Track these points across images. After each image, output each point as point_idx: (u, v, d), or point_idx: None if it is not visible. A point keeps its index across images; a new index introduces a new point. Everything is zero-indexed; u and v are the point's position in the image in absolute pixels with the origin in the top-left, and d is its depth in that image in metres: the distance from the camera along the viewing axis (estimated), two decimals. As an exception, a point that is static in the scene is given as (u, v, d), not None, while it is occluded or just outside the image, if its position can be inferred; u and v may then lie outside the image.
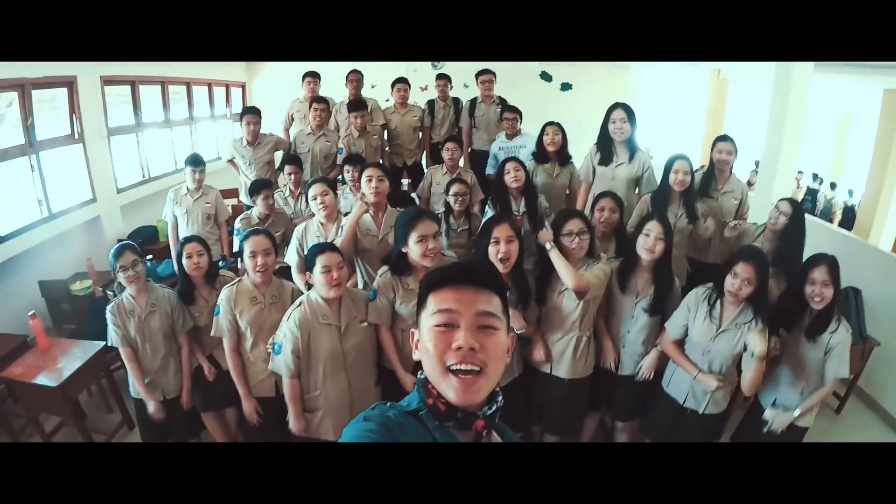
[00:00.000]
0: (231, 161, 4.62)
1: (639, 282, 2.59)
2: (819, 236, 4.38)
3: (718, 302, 2.41)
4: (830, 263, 2.33)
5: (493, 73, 4.86)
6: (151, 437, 2.84)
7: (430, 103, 5.15)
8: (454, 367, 0.85)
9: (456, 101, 5.14)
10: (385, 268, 2.47)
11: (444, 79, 5.10)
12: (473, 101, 4.97)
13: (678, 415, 2.57)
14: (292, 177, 3.99)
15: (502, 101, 4.83)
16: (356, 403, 2.39)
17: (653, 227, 2.48)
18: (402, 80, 4.97)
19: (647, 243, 2.47)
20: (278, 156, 4.62)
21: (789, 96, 4.51)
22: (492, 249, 2.30)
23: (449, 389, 0.86)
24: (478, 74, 4.88)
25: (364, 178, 2.82)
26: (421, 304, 0.94)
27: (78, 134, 4.80)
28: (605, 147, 3.45)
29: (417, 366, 0.93)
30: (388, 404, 0.92)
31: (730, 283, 2.30)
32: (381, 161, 4.54)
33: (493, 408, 0.90)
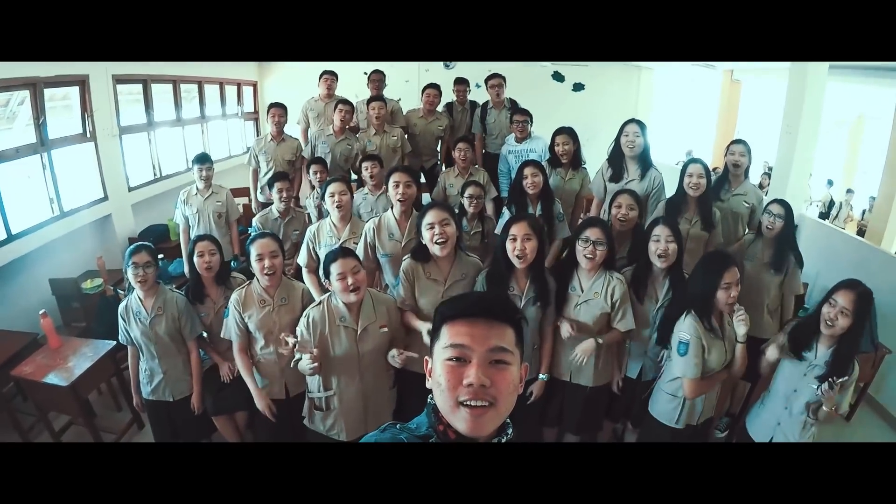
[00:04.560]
0: (255, 170, 4.65)
1: (656, 288, 2.56)
2: (831, 241, 4.35)
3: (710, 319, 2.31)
4: (860, 294, 2.10)
5: (503, 78, 4.76)
6: (163, 439, 2.86)
7: (449, 106, 5.13)
8: (465, 402, 0.85)
9: (473, 104, 5.11)
10: (408, 255, 2.54)
11: (462, 83, 5.09)
12: (484, 107, 4.90)
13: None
14: (318, 176, 3.94)
15: (513, 104, 4.76)
16: (370, 406, 2.41)
17: (661, 231, 2.46)
18: (432, 86, 4.87)
19: (659, 248, 2.44)
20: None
21: (804, 99, 4.47)
22: (509, 246, 2.35)
23: (459, 421, 0.86)
24: (487, 79, 4.79)
25: (391, 183, 2.82)
26: (434, 334, 0.95)
27: (90, 132, 4.82)
28: (616, 163, 3.43)
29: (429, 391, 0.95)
30: (399, 426, 0.93)
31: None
32: (404, 163, 4.50)
33: (504, 439, 0.91)
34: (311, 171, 4.01)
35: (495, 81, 4.72)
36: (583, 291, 2.49)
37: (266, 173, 4.52)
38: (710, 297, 2.26)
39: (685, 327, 2.31)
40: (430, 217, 2.37)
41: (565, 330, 2.44)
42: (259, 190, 4.69)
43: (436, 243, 2.36)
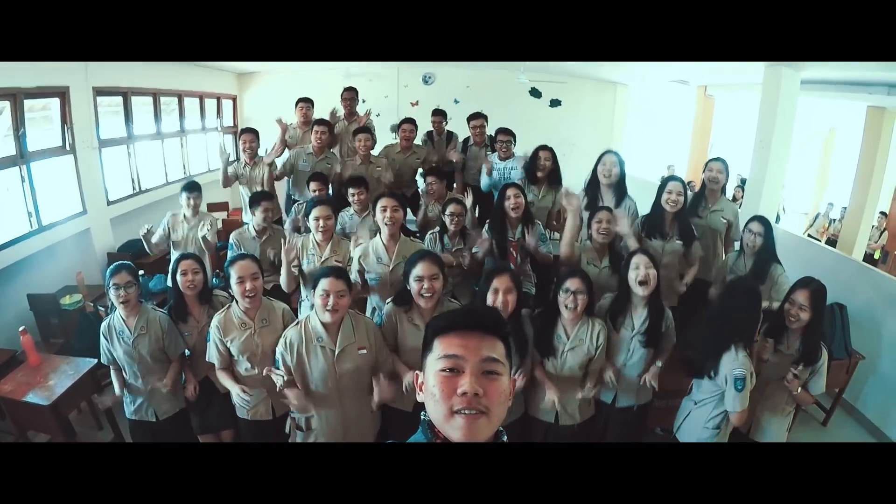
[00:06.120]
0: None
1: (634, 316, 2.60)
2: (805, 252, 4.48)
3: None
4: (814, 290, 2.39)
5: (485, 118, 4.88)
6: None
7: (430, 135, 5.26)
8: (459, 410, 0.87)
9: (450, 134, 5.26)
10: (390, 299, 2.54)
11: (439, 115, 5.23)
12: (466, 142, 5.04)
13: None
14: (317, 193, 3.98)
15: (492, 141, 4.75)
16: (351, 427, 2.40)
17: (639, 260, 2.52)
18: (408, 121, 4.91)
19: (639, 275, 2.49)
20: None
21: (777, 114, 4.62)
22: (490, 297, 2.36)
23: (453, 430, 0.88)
24: (469, 119, 4.89)
25: (379, 208, 2.84)
26: (426, 347, 0.97)
27: (69, 145, 4.74)
28: (591, 192, 3.51)
29: (421, 406, 0.95)
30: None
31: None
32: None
33: None
34: (309, 188, 4.04)
35: (477, 122, 4.84)
36: (568, 339, 2.52)
37: (245, 195, 4.52)
38: (757, 322, 2.43)
39: (740, 363, 2.26)
40: (419, 270, 2.36)
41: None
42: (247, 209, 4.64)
43: (422, 296, 2.37)
